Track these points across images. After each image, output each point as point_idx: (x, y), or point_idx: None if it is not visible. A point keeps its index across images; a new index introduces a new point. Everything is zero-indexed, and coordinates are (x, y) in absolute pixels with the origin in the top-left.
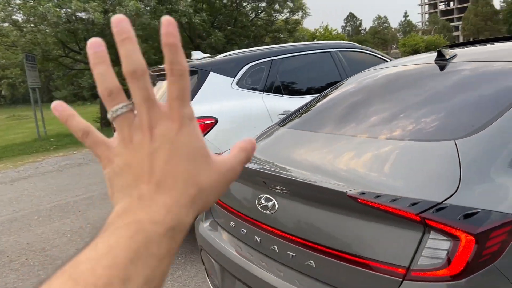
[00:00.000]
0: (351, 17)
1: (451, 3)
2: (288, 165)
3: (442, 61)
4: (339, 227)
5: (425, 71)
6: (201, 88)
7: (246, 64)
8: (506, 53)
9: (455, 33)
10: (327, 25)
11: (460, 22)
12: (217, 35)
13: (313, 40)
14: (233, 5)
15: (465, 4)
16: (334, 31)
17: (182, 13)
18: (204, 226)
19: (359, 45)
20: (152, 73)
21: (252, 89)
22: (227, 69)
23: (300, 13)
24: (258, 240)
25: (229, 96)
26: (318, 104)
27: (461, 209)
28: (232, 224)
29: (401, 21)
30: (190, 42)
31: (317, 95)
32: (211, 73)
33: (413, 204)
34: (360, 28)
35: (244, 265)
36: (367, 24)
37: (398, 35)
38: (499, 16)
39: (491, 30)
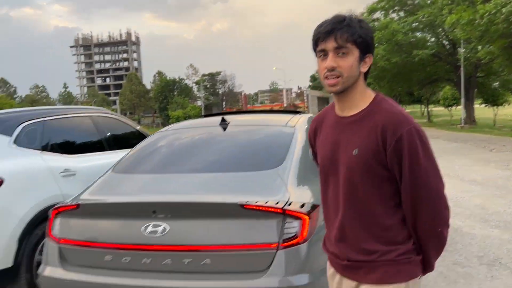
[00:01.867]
0: (3, 82)
1: (107, 79)
2: (161, 195)
3: (224, 124)
4: (225, 228)
5: (216, 130)
6: None
7: (21, 124)
8: (257, 119)
9: (114, 107)
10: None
11: (117, 97)
12: None
13: None
14: None
15: (120, 82)
16: None
17: None
18: (57, 272)
19: (109, 111)
20: None
21: (30, 148)
22: (4, 127)
23: None
24: (147, 261)
25: (8, 155)
26: (139, 156)
27: (300, 203)
28: (108, 257)
29: (60, 91)
30: None
31: (93, 153)
32: None
33: (276, 203)
34: (15, 96)
35: (129, 283)
36: (23, 91)
37: (57, 104)
38: (150, 94)
39: (145, 106)
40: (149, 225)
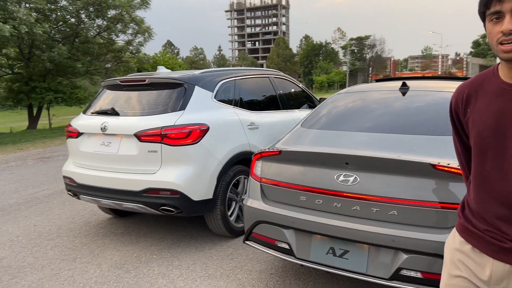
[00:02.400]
0: (169, 44)
1: (257, 43)
2: (352, 149)
3: (404, 88)
4: (413, 185)
5: (396, 93)
6: (190, 100)
7: (219, 82)
8: (436, 85)
9: None
10: (165, 50)
11: (265, 61)
12: (60, 48)
13: (154, 63)
14: (75, 20)
15: (269, 46)
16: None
17: (22, 21)
18: (259, 204)
19: (283, 73)
20: (120, 83)
21: (225, 103)
22: (207, 84)
23: (141, 36)
24: (337, 205)
25: (211, 108)
26: (323, 114)
27: None
28: (302, 198)
29: (215, 54)
30: (20, 53)
31: (271, 110)
32: (196, 87)
33: None
34: (178, 57)
35: (323, 221)
36: (184, 53)
37: (212, 66)
38: (296, 59)
39: (290, 70)
40: (341, 174)
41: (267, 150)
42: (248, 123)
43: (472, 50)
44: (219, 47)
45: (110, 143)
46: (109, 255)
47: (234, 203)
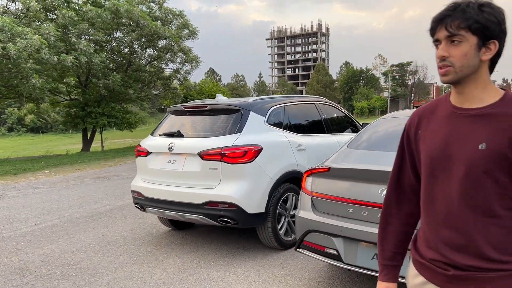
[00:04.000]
0: (211, 71)
1: (296, 69)
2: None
3: None
4: None
5: None
6: (246, 123)
7: (271, 107)
8: None
9: None
10: (212, 78)
11: (304, 87)
12: (114, 76)
13: (200, 90)
14: (128, 49)
15: (308, 72)
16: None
17: (82, 52)
18: (310, 215)
19: (327, 100)
20: (184, 108)
21: (276, 126)
22: (260, 109)
23: (188, 65)
24: None
25: (264, 131)
26: (368, 136)
27: None
28: (349, 210)
29: (255, 81)
30: (78, 81)
31: (317, 133)
32: (251, 112)
33: None
34: (220, 83)
35: (368, 230)
36: (225, 80)
37: (253, 92)
38: (335, 85)
39: (330, 96)
40: (385, 189)
41: (317, 167)
42: (296, 144)
43: None
44: (260, 73)
45: (176, 161)
46: (172, 261)
47: (283, 218)
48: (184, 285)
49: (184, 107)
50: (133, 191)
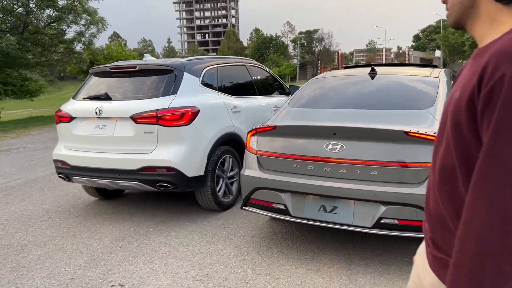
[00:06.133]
0: (115, 36)
1: (206, 35)
2: (338, 122)
3: (373, 73)
4: (390, 150)
5: (367, 77)
6: (180, 85)
7: (205, 68)
8: (400, 70)
9: None
10: (120, 42)
11: (215, 53)
12: (9, 39)
13: (108, 54)
14: (22, 9)
15: (219, 38)
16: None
17: None
18: (256, 173)
19: (256, 62)
20: (110, 69)
21: (210, 88)
22: (194, 70)
23: (94, 27)
24: (327, 169)
25: (199, 92)
26: (306, 95)
27: None
28: (296, 165)
29: (164, 46)
30: None
31: (249, 96)
32: (185, 73)
33: (434, 133)
34: (126, 49)
35: (315, 183)
36: (131, 45)
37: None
38: (246, 51)
39: None
40: (329, 143)
41: (263, 126)
42: (231, 106)
43: (413, 44)
44: (168, 39)
45: (105, 126)
46: (107, 231)
47: (221, 180)
48: (125, 252)
49: (109, 68)
50: (55, 161)
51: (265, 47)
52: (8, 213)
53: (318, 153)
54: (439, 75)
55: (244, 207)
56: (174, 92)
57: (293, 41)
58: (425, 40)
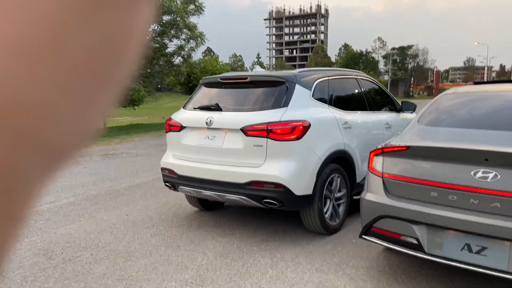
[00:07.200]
0: (208, 51)
1: (294, 51)
2: (491, 146)
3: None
4: None
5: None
6: (292, 97)
7: (316, 81)
8: None
9: None
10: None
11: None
12: None
13: (203, 68)
14: None
15: (306, 54)
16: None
17: None
18: (382, 199)
19: (367, 75)
20: (220, 80)
21: (321, 101)
22: (306, 82)
23: (193, 41)
24: (474, 201)
25: (310, 105)
26: (442, 112)
27: None
28: (433, 194)
29: (253, 61)
30: None
31: (360, 111)
32: (297, 85)
33: None
34: (220, 62)
35: (458, 217)
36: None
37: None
38: (334, 67)
39: None
40: (479, 171)
41: (391, 145)
42: (342, 122)
43: None
44: (258, 54)
45: (215, 137)
46: (211, 245)
47: (328, 201)
48: (231, 271)
49: (220, 79)
50: (163, 169)
51: (355, 62)
52: (115, 217)
53: (463, 181)
54: None
55: (363, 236)
56: (285, 104)
57: (385, 57)
58: None
